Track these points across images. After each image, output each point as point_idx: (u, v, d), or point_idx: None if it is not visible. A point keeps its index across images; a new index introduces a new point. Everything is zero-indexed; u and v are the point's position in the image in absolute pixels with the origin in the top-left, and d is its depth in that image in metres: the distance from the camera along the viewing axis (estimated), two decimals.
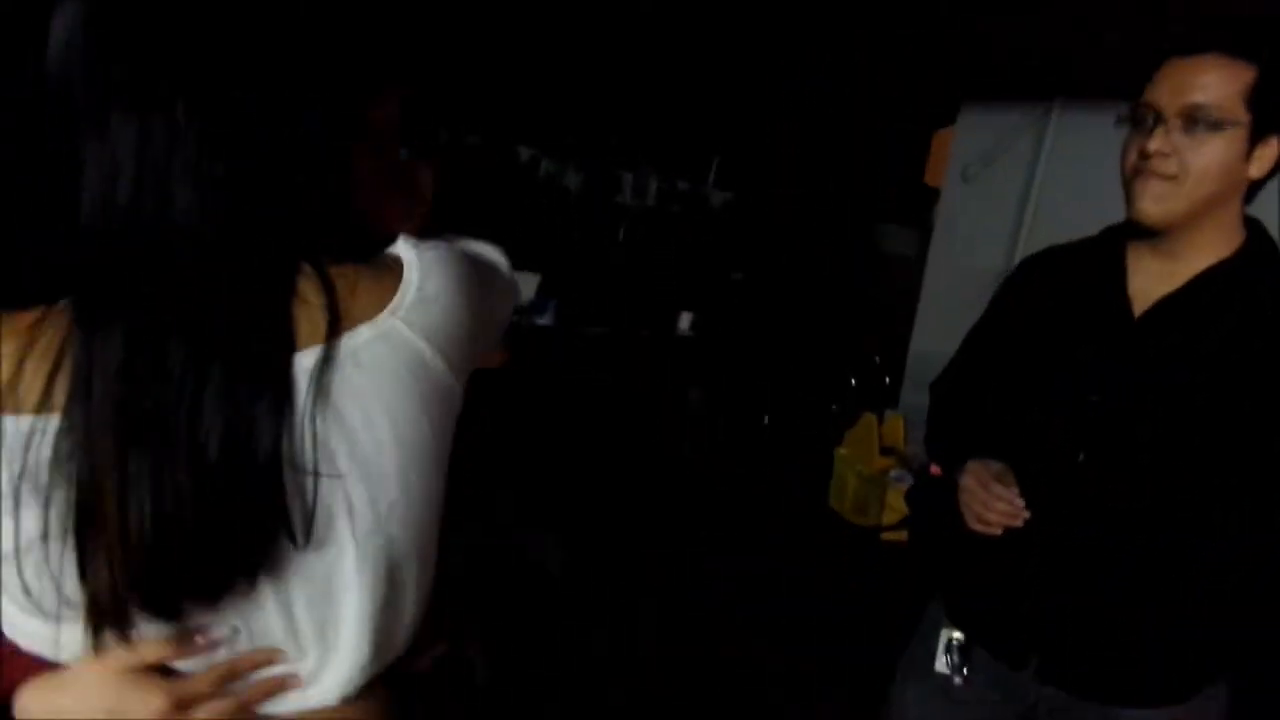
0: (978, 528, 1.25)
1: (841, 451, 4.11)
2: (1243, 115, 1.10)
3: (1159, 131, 1.13)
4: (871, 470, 3.83)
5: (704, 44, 5.34)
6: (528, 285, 4.77)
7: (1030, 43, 3.90)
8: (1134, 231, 1.22)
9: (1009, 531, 1.24)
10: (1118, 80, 3.72)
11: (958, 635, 1.35)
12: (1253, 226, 1.22)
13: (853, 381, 4.67)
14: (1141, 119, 1.17)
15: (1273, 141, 1.13)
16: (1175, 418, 1.16)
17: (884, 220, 6.42)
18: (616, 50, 5.25)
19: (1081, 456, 1.22)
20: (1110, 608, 1.23)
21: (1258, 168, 1.14)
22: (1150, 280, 1.22)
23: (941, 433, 1.52)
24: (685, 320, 5.50)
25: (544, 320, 4.86)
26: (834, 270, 5.94)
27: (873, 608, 2.91)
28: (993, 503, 1.22)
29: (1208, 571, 1.21)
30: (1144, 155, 1.14)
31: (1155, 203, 1.14)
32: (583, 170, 5.26)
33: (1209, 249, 1.18)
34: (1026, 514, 1.23)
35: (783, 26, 4.85)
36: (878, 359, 4.50)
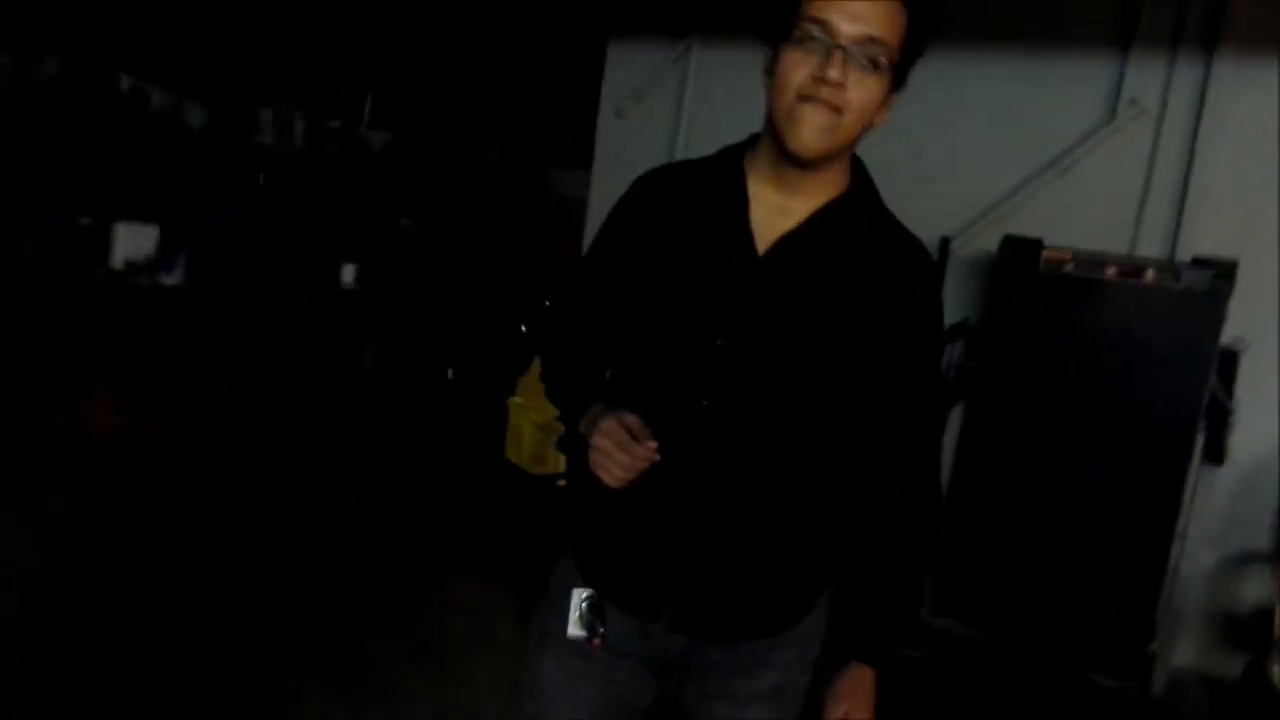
0: (613, 484, 1.15)
1: (516, 400, 3.98)
2: (894, 60, 1.08)
3: (837, 57, 1.05)
4: (546, 418, 3.74)
5: None
6: (145, 238, 4.08)
7: None
8: (779, 158, 1.14)
9: (637, 482, 1.16)
10: (748, 18, 3.83)
11: (589, 593, 1.28)
12: (856, 164, 1.21)
13: (523, 328, 4.55)
14: (808, 36, 1.06)
15: (894, 97, 1.12)
16: (799, 358, 1.15)
17: (558, 164, 6.35)
18: None
19: (705, 402, 1.17)
20: (734, 548, 1.20)
21: (881, 116, 1.12)
22: (770, 216, 1.16)
23: (555, 376, 1.39)
24: (349, 273, 5.06)
25: (172, 279, 4.19)
26: (507, 214, 5.77)
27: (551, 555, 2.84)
28: (631, 463, 1.13)
29: (820, 501, 1.21)
30: (817, 81, 1.05)
31: (821, 135, 1.08)
32: (207, 105, 4.57)
33: (826, 186, 1.16)
34: (657, 457, 1.14)
35: None
36: (548, 302, 4.41)
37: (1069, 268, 2.94)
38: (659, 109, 4.02)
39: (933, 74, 3.77)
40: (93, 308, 3.89)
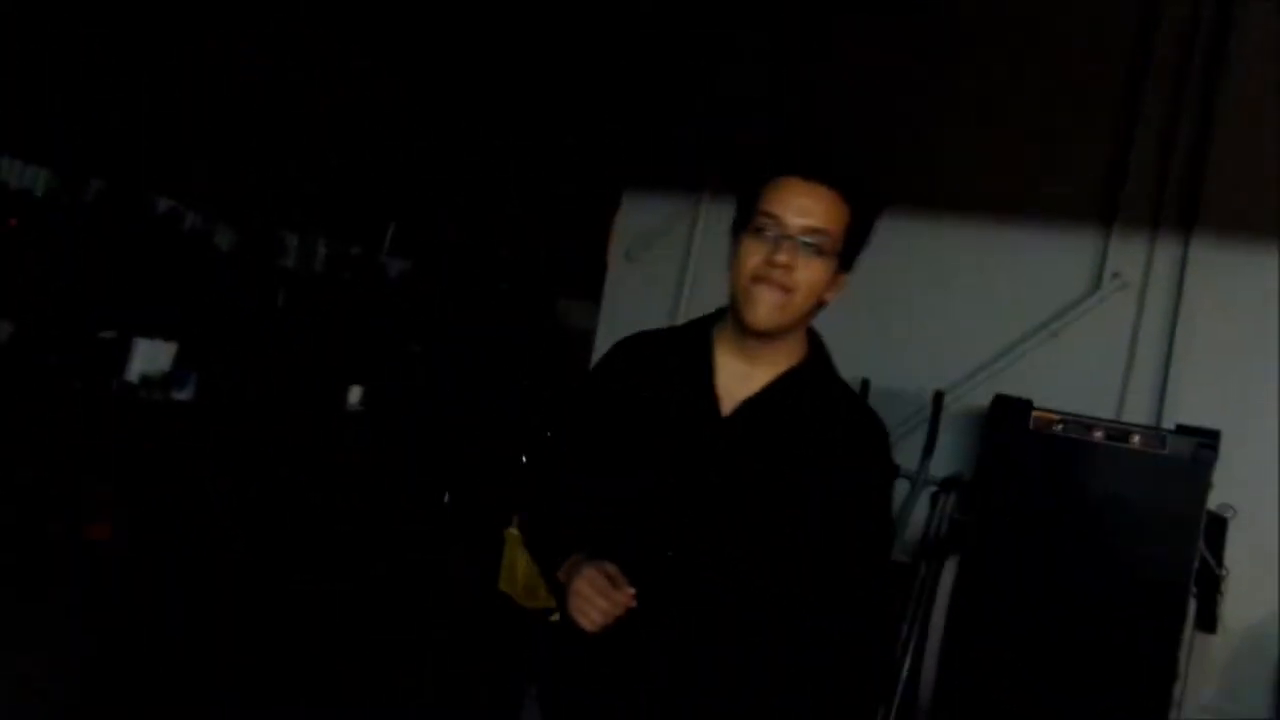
0: (590, 628, 1.22)
1: (511, 532, 3.98)
2: (839, 247, 1.26)
3: (785, 245, 1.23)
4: None
5: (384, 109, 5.15)
6: (162, 354, 4.18)
7: (685, 140, 4.23)
8: (740, 331, 1.29)
9: (612, 627, 1.21)
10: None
11: None
12: (812, 337, 1.36)
13: (524, 459, 4.60)
14: (762, 228, 1.25)
15: (843, 275, 1.30)
16: (758, 512, 1.24)
17: (566, 296, 6.56)
18: (280, 105, 4.90)
19: (670, 553, 1.25)
20: (697, 694, 1.25)
21: (832, 294, 1.30)
22: (734, 382, 1.29)
23: (537, 530, 1.46)
24: (355, 394, 5.14)
25: (183, 395, 4.27)
26: (515, 342, 5.91)
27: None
28: (609, 608, 1.20)
29: (787, 653, 1.26)
30: (771, 264, 1.22)
31: (773, 311, 1.24)
32: (238, 228, 4.78)
33: (784, 356, 1.31)
34: (634, 604, 1.21)
35: (467, 102, 4.81)
36: (550, 434, 4.48)
37: (1058, 429, 3.03)
38: (668, 256, 4.21)
39: (930, 240, 4.00)
40: (104, 418, 3.96)
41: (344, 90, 4.98)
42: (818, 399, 1.30)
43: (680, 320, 4.57)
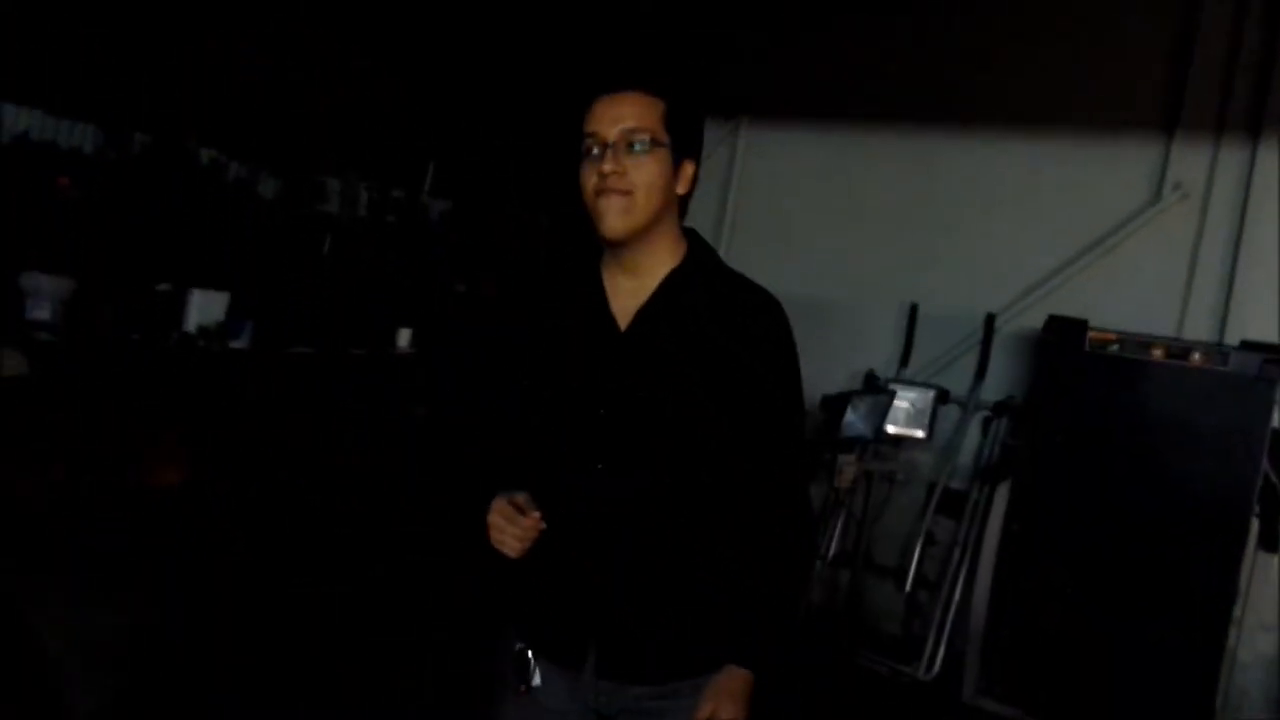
0: (512, 555, 1.34)
1: None
2: (664, 138, 1.30)
3: (608, 153, 1.28)
4: None
5: (420, 44, 5.10)
6: (216, 304, 4.27)
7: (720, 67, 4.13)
8: (609, 249, 1.35)
9: (549, 541, 1.34)
10: (791, 103, 3.97)
11: (519, 646, 1.42)
12: (691, 235, 1.40)
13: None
14: (589, 149, 1.31)
15: (688, 164, 1.34)
16: (671, 414, 1.32)
17: None
18: (318, 46, 4.87)
19: (600, 465, 1.34)
20: (641, 591, 1.35)
21: (683, 185, 1.34)
22: (625, 298, 1.36)
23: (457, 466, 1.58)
24: (405, 337, 5.21)
25: (239, 344, 4.37)
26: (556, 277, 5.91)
27: None
28: (522, 534, 1.31)
29: (720, 542, 1.36)
30: (602, 176, 1.28)
31: (619, 216, 1.29)
32: (280, 176, 4.80)
33: (664, 260, 1.35)
34: (543, 525, 1.32)
35: (502, 32, 4.74)
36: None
37: (1115, 349, 2.96)
38: (706, 185, 4.15)
39: (979, 158, 3.87)
40: (166, 371, 4.07)
41: (377, 28, 4.93)
42: (706, 291, 1.34)
43: (724, 241, 4.52)
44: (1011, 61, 3.56)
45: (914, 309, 3.68)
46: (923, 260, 3.65)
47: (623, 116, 1.29)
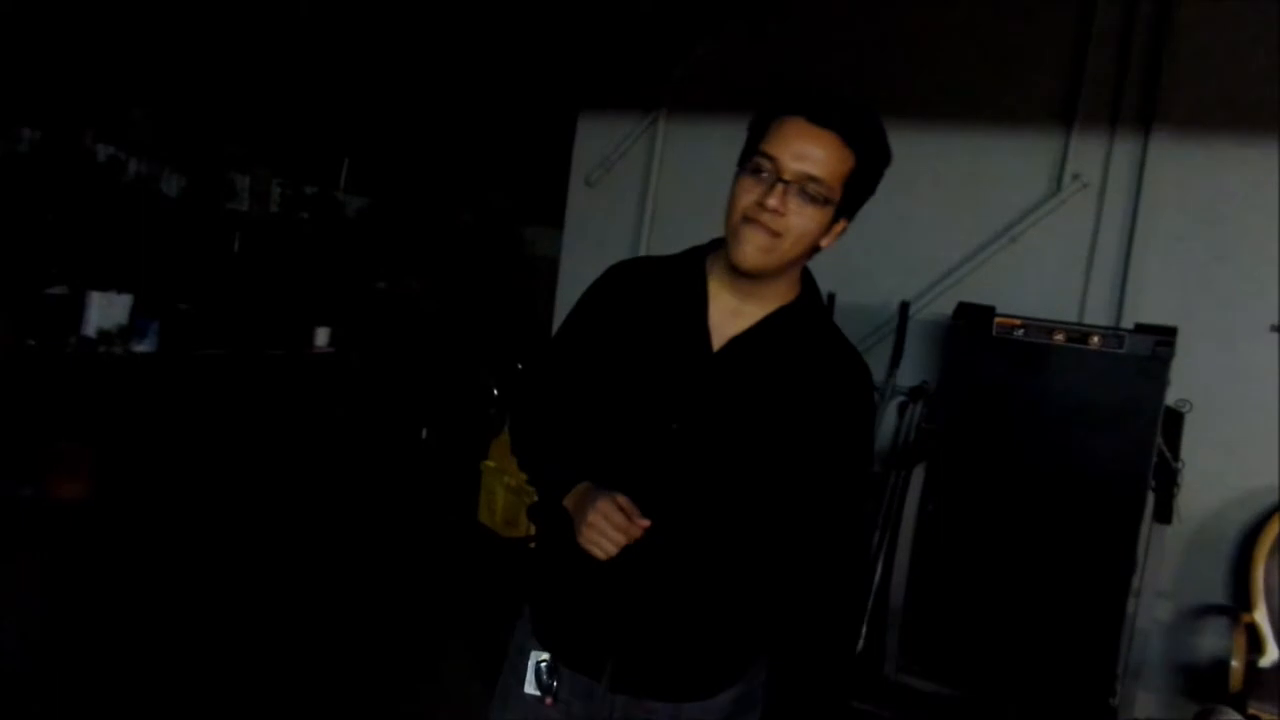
0: (603, 558, 1.24)
1: (488, 464, 4.01)
2: (837, 196, 1.24)
3: (778, 189, 1.21)
4: (519, 481, 3.78)
5: (334, 37, 4.96)
6: (117, 307, 4.10)
7: (637, 59, 4.12)
8: (728, 268, 1.29)
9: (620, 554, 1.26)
10: (712, 95, 3.99)
11: (545, 656, 1.37)
12: (806, 277, 1.36)
13: (495, 391, 4.61)
14: (759, 167, 1.23)
15: (842, 222, 1.29)
16: (744, 442, 1.28)
17: (531, 222, 6.46)
18: (224, 38, 4.70)
19: (656, 478, 1.29)
20: (672, 609, 1.31)
21: (828, 240, 1.29)
22: (725, 317, 1.31)
23: (528, 449, 1.47)
24: (323, 336, 5.09)
25: (144, 347, 4.20)
26: (481, 274, 5.85)
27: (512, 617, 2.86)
28: (625, 540, 1.23)
29: (749, 571, 1.32)
30: (760, 205, 1.21)
31: (759, 253, 1.23)
32: (185, 173, 4.63)
33: (776, 296, 1.31)
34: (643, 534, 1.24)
35: (421, 27, 4.64)
36: (520, 365, 4.48)
37: (1020, 333, 3.07)
38: (627, 179, 4.15)
39: (892, 147, 3.94)
40: (64, 376, 3.89)
41: (287, 18, 4.77)
42: (804, 339, 1.31)
43: (644, 241, 4.53)
44: (920, 56, 3.66)
45: (831, 298, 3.76)
46: (838, 250, 3.72)
47: (810, 156, 1.21)
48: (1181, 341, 2.89)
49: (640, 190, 4.12)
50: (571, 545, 1.26)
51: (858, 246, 3.79)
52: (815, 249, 1.29)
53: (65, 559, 3.33)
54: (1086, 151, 3.41)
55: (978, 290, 3.39)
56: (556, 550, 1.34)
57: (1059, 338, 3.03)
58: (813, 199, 1.22)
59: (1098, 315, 3.34)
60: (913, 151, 3.64)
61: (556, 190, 6.31)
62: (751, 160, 1.24)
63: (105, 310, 3.94)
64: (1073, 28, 3.43)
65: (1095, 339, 2.99)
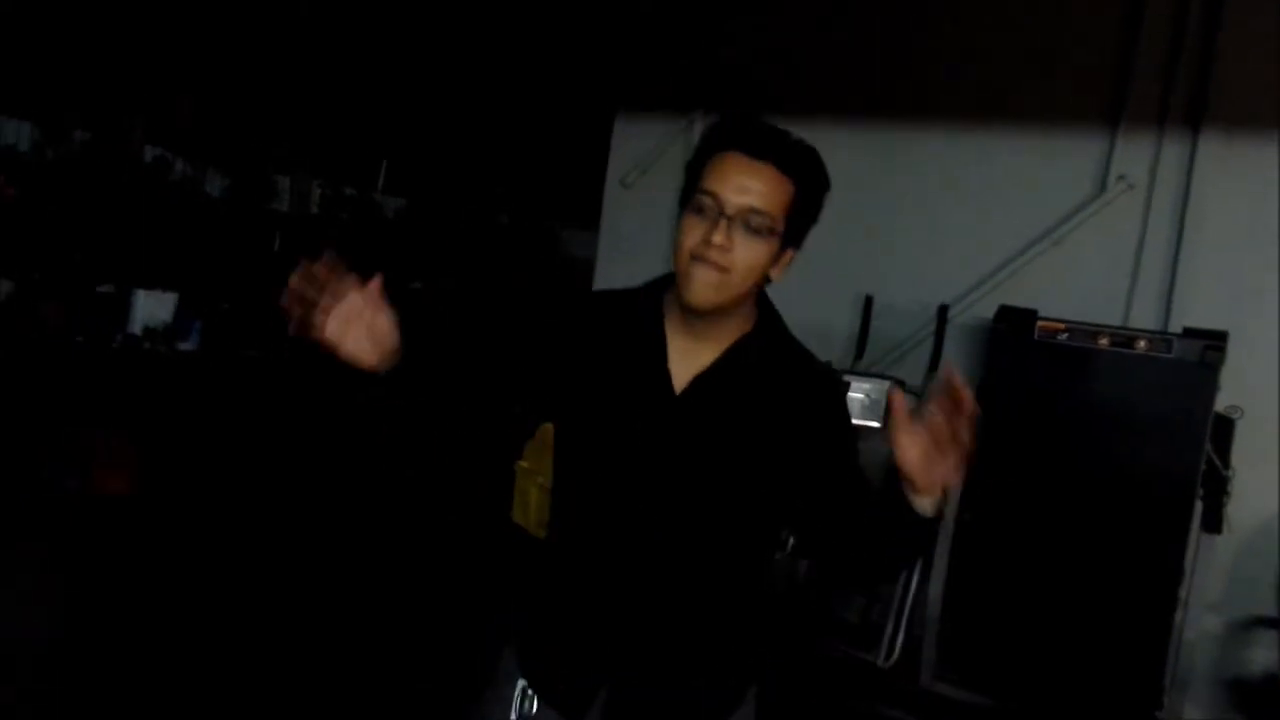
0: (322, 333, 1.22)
1: (522, 464, 4.01)
2: (781, 226, 1.23)
3: (723, 224, 1.20)
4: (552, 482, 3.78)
5: (372, 41, 5.03)
6: (162, 305, 4.18)
7: (675, 62, 4.13)
8: (682, 308, 1.28)
9: (582, 585, 1.31)
10: (747, 95, 3.97)
11: (521, 684, 1.36)
12: (762, 302, 1.35)
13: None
14: (702, 205, 1.22)
15: (790, 252, 1.28)
16: (712, 483, 1.28)
17: (568, 224, 6.48)
18: (266, 41, 4.78)
19: (630, 519, 1.29)
20: (658, 644, 1.31)
21: (777, 271, 1.28)
22: (683, 357, 1.30)
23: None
24: None
25: (187, 345, 4.28)
26: (518, 275, 5.88)
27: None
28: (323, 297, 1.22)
29: (739, 605, 1.34)
30: (706, 242, 1.20)
31: (710, 290, 1.22)
32: (229, 174, 4.71)
33: (733, 329, 1.31)
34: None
35: (460, 28, 4.68)
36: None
37: (1063, 337, 3.01)
38: (663, 181, 4.14)
39: (931, 152, 3.92)
40: (110, 372, 3.97)
41: (328, 23, 4.84)
42: (768, 364, 1.31)
43: None
44: (962, 55, 3.61)
45: (869, 301, 3.71)
46: (876, 253, 3.69)
47: (751, 190, 1.21)
48: (1231, 346, 2.82)
49: (676, 193, 4.10)
50: (560, 580, 1.29)
51: (897, 248, 3.78)
52: (766, 280, 1.28)
53: (105, 551, 3.39)
54: (1132, 152, 3.33)
55: (1020, 293, 3.33)
56: (544, 585, 1.36)
57: (1104, 342, 2.96)
58: (757, 231, 1.21)
59: (1143, 320, 3.26)
60: (954, 153, 3.62)
61: (593, 192, 6.32)
62: (694, 199, 1.23)
63: (151, 308, 4.02)
64: (1119, 24, 3.37)
65: (1142, 343, 2.92)
